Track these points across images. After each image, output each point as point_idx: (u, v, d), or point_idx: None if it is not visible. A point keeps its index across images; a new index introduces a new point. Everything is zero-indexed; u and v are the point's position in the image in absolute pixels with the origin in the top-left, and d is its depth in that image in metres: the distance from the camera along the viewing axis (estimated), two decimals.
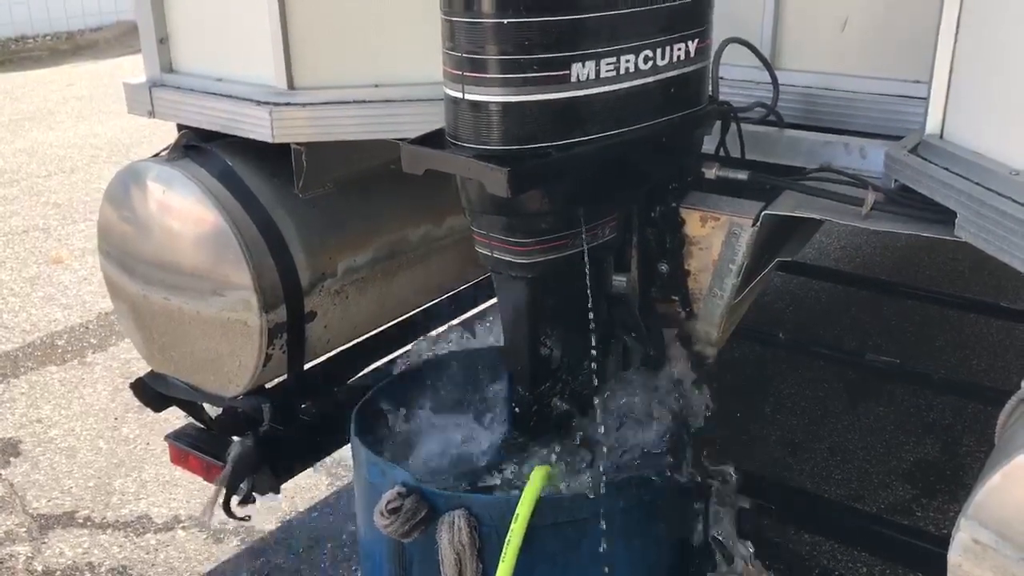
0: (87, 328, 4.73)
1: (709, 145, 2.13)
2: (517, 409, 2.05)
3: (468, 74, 1.66)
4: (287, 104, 2.21)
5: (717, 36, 2.05)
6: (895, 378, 3.78)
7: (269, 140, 2.23)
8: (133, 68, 2.51)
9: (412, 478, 1.92)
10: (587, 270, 1.86)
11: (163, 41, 2.45)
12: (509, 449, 2.07)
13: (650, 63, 1.73)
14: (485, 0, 1.60)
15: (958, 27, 1.73)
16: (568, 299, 1.92)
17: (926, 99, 1.82)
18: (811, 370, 4.06)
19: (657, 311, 2.17)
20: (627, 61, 1.69)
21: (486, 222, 1.85)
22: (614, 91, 1.70)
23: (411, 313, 2.84)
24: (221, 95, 2.32)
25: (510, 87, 1.64)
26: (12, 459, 3.67)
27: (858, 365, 3.78)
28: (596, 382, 2.00)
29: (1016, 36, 1.57)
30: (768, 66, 2.23)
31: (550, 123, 1.67)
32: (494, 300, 2.34)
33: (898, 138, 1.98)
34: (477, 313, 3.06)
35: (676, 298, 2.14)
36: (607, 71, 1.67)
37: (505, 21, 1.60)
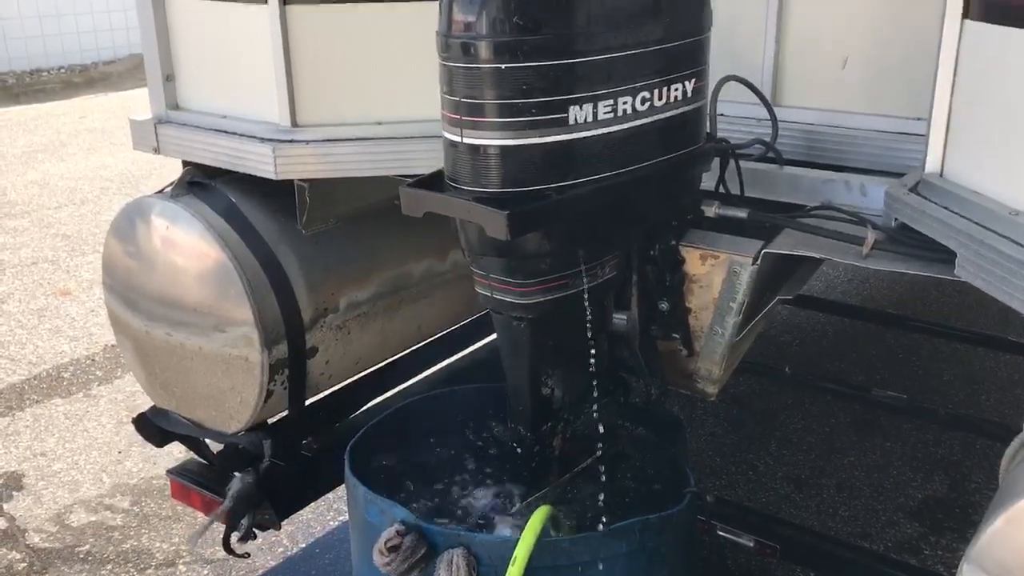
0: (93, 361, 4.74)
1: (710, 183, 2.13)
2: (518, 449, 2.04)
3: (466, 118, 1.67)
4: (290, 141, 2.23)
5: (719, 73, 2.06)
6: (903, 413, 3.74)
7: (272, 177, 2.24)
8: (145, 101, 2.53)
9: (412, 516, 1.91)
10: (588, 310, 1.86)
11: (169, 78, 2.48)
12: (508, 488, 2.05)
13: (647, 104, 1.74)
14: (482, 46, 1.61)
15: (956, 65, 1.74)
16: (569, 339, 1.91)
17: (926, 136, 1.82)
18: (817, 405, 4.03)
19: (658, 349, 2.16)
20: (624, 103, 1.70)
21: (486, 263, 1.84)
22: (612, 132, 1.70)
23: (413, 348, 2.84)
24: (225, 132, 2.35)
25: (508, 131, 1.64)
26: (15, 492, 3.66)
27: (865, 400, 3.76)
28: (599, 422, 1.99)
29: (1014, 75, 1.58)
30: (766, 103, 2.24)
31: (549, 166, 1.67)
32: (495, 336, 2.33)
33: (899, 175, 1.98)
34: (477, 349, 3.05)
35: (677, 336, 2.13)
36: (605, 113, 1.68)
37: (503, 67, 1.60)
